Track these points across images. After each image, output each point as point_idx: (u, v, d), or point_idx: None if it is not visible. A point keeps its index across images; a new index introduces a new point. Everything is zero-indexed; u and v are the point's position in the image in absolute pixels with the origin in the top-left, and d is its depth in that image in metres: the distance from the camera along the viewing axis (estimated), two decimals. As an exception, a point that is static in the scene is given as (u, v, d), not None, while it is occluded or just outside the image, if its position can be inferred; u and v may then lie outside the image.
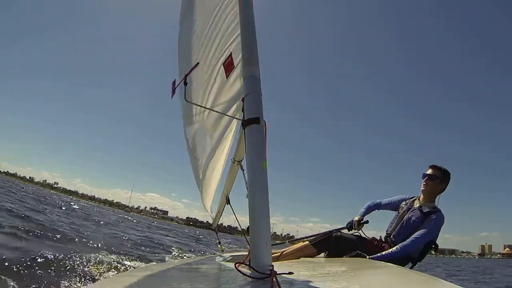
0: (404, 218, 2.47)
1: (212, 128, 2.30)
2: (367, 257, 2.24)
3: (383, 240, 2.55)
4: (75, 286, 3.43)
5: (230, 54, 1.82)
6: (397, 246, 2.31)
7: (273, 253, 2.62)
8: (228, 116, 1.81)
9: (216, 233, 4.16)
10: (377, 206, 2.79)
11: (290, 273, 1.17)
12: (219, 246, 4.26)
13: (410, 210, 2.50)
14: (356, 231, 2.56)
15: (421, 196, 2.56)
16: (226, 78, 1.96)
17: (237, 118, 1.77)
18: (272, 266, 1.10)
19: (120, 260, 5.10)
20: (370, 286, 1.10)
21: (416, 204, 2.53)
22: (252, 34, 1.38)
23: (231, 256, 2.68)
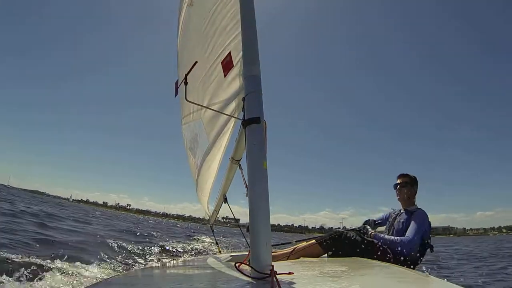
0: (394, 224, 2.73)
1: (209, 126, 2.29)
2: (370, 233, 2.63)
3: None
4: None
5: (229, 52, 1.80)
6: (399, 238, 2.50)
7: (281, 251, 2.66)
8: (227, 115, 1.80)
9: (213, 232, 4.13)
10: (374, 223, 2.99)
11: (290, 273, 1.17)
12: (216, 247, 4.24)
13: (398, 215, 2.78)
14: (372, 231, 2.72)
15: (401, 204, 2.84)
16: (224, 76, 1.94)
17: (235, 117, 1.76)
18: (272, 266, 1.10)
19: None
20: (370, 286, 1.11)
21: (401, 211, 2.82)
22: (253, 33, 1.37)
23: (230, 256, 2.67)
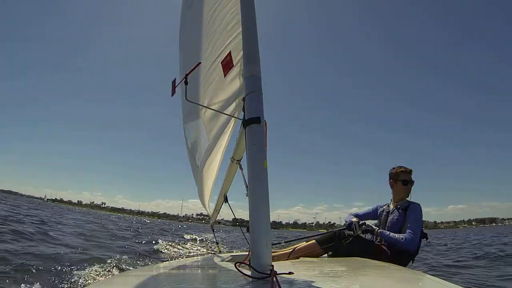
0: (388, 221, 2.64)
1: (210, 126, 2.29)
2: (376, 230, 2.52)
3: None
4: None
5: (229, 52, 1.80)
6: (402, 236, 2.43)
7: (281, 251, 2.67)
8: (228, 115, 1.80)
9: (213, 232, 4.14)
10: (357, 217, 2.82)
11: (290, 273, 1.17)
12: (216, 246, 4.25)
13: (390, 213, 2.68)
14: (357, 233, 2.59)
15: (395, 198, 2.72)
16: (224, 76, 1.94)
17: (235, 117, 1.75)
18: (272, 266, 1.10)
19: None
20: (370, 286, 1.10)
21: (392, 206, 2.71)
22: (253, 33, 1.36)
23: (231, 256, 2.68)
